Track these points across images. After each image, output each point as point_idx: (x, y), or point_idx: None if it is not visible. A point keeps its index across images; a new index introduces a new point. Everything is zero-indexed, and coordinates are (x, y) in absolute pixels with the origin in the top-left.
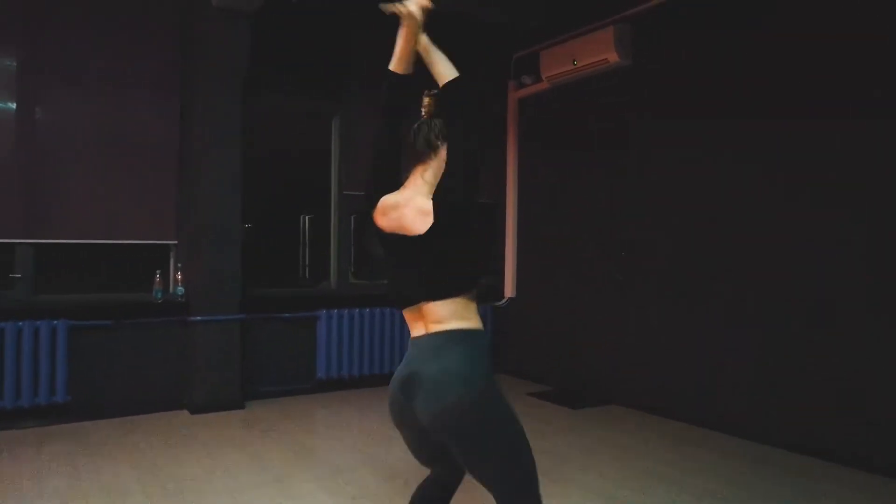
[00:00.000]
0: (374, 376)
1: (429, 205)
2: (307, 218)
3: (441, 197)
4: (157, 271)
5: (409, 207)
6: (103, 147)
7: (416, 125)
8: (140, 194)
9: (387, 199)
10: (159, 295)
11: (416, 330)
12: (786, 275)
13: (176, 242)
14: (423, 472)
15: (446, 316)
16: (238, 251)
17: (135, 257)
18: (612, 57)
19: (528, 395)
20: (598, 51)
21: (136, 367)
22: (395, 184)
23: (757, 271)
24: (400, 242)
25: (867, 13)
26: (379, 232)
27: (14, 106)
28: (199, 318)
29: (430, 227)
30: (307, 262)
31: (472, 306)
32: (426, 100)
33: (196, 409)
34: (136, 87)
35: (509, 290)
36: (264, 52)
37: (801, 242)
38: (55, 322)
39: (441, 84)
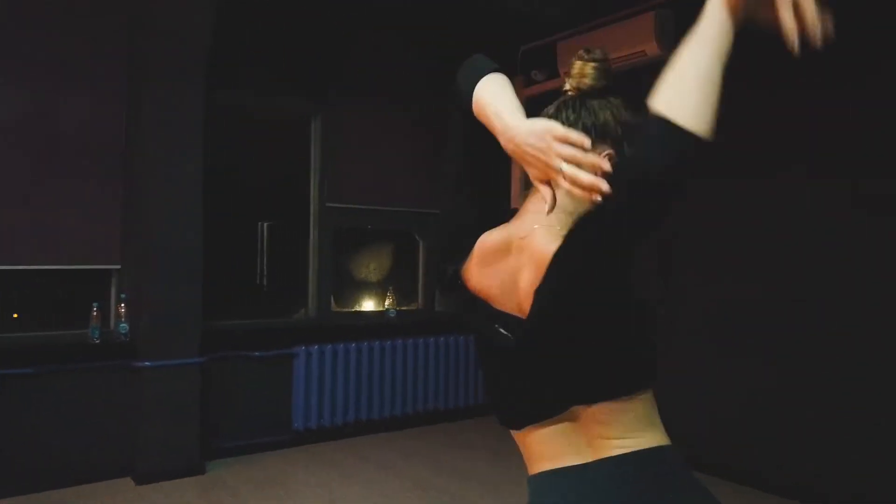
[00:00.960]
0: (361, 423)
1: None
2: (265, 225)
3: (587, 233)
4: (95, 304)
5: (529, 252)
6: (29, 151)
7: (555, 106)
8: (74, 208)
9: (489, 239)
10: (97, 333)
11: (564, 455)
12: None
13: (119, 267)
14: None
15: (630, 426)
16: (198, 278)
17: (66, 286)
18: (652, 49)
19: None
20: (634, 41)
21: (65, 427)
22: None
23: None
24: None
25: None
26: (473, 299)
27: None
28: (147, 362)
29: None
30: (264, 272)
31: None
32: (581, 65)
33: (144, 478)
34: (71, 78)
35: None
36: (231, 40)
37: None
38: None
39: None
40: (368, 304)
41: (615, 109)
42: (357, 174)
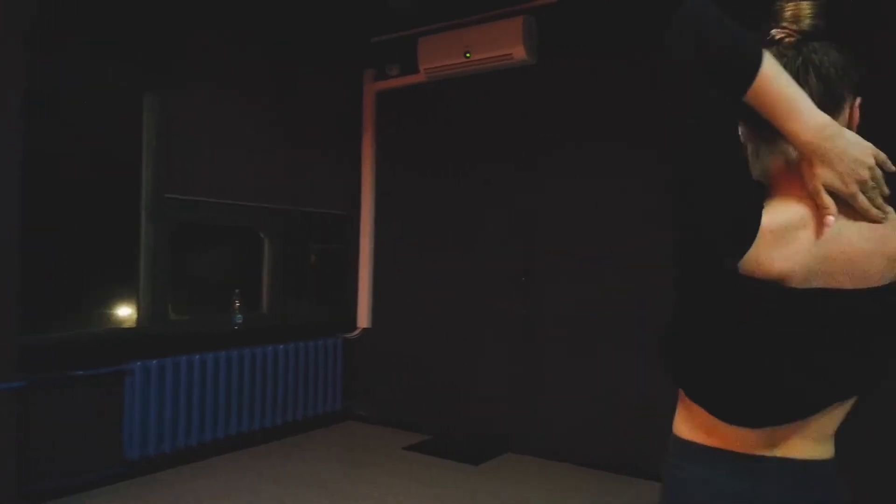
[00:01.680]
0: (205, 446)
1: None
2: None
3: None
4: None
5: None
6: None
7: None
8: None
9: (778, 219)
10: None
11: (741, 442)
12: None
13: None
14: None
15: (828, 432)
16: (15, 281)
17: None
18: (519, 53)
19: (406, 448)
20: (502, 44)
21: None
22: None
23: None
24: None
25: None
26: (747, 281)
27: None
28: None
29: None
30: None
31: None
32: (795, 6)
33: None
34: None
35: (364, 320)
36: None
37: None
38: None
39: None
40: (211, 310)
41: (845, 52)
42: (203, 163)
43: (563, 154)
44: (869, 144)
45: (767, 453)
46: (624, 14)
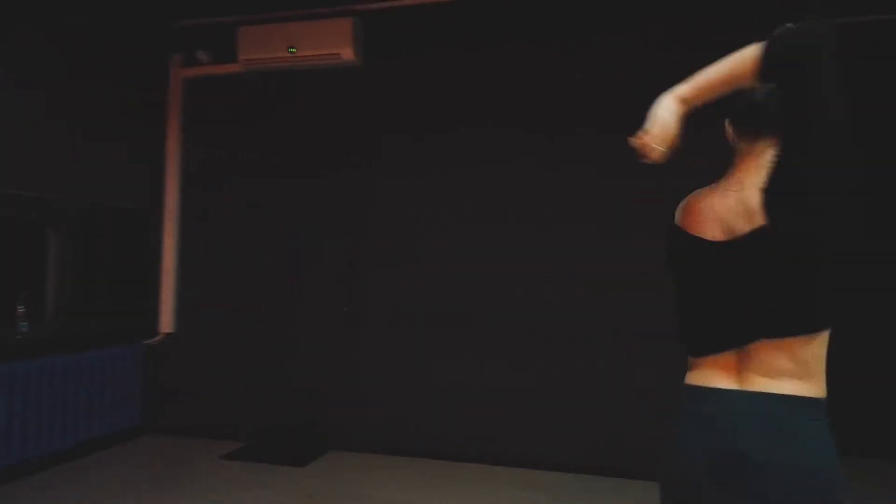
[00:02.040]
0: None
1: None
2: None
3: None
4: None
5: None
6: None
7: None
8: None
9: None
10: None
11: (720, 378)
12: (539, 302)
13: None
14: None
15: (789, 369)
16: None
17: None
18: (347, 53)
19: (223, 457)
20: (330, 43)
21: None
22: None
23: (512, 299)
24: (714, 249)
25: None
26: (679, 234)
27: None
28: None
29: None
30: None
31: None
32: None
33: None
34: None
35: (167, 324)
36: None
37: (556, 266)
38: None
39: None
40: None
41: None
42: None
43: (388, 153)
44: (656, 118)
45: (735, 387)
46: (449, 20)
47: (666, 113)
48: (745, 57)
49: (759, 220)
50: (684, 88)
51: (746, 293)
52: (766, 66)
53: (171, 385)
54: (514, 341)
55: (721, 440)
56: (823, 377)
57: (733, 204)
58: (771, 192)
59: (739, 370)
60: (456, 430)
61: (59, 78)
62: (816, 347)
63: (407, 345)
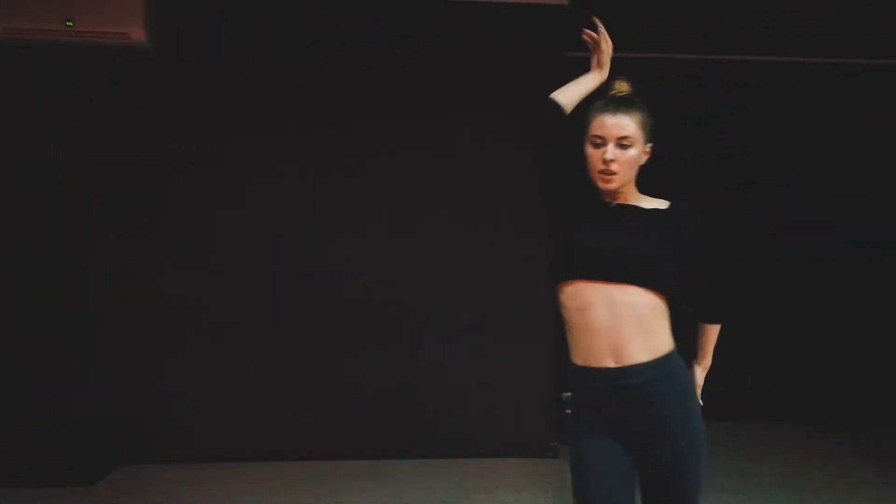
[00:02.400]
0: None
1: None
2: None
3: None
4: None
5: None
6: None
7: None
8: None
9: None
10: None
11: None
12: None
13: None
14: None
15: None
16: None
17: None
18: (138, 34)
19: None
20: (117, 19)
21: None
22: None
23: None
24: None
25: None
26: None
27: None
28: None
29: None
30: None
31: None
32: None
33: None
34: None
35: None
36: None
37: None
38: None
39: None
40: None
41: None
42: None
43: (178, 147)
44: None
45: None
46: (253, 6)
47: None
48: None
49: None
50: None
51: None
52: None
53: None
54: (325, 335)
55: None
56: None
57: None
58: None
59: None
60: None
61: None
62: None
63: (218, 342)
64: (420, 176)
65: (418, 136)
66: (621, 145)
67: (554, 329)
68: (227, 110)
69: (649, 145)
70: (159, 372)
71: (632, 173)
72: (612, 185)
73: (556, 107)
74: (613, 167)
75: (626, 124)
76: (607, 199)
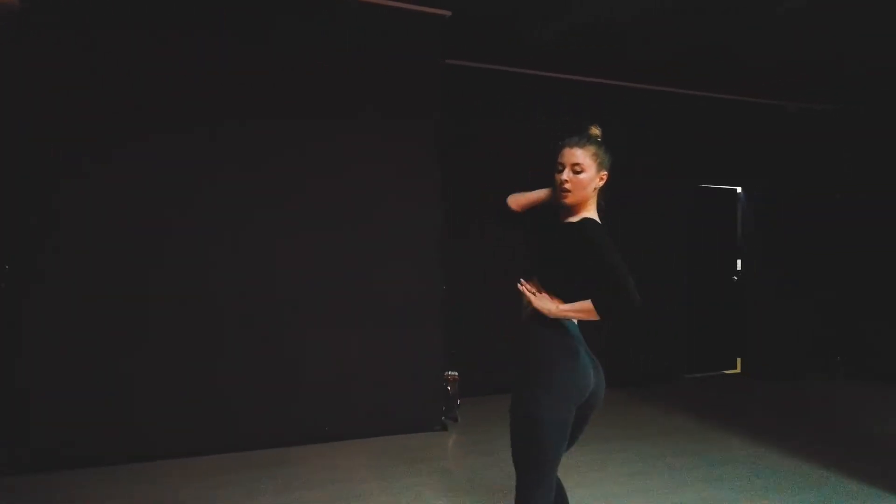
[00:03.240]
0: None
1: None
2: None
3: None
4: None
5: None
6: None
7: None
8: None
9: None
10: None
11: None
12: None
13: None
14: None
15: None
16: None
17: None
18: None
19: None
20: None
21: None
22: None
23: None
24: None
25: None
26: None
27: None
28: None
29: None
30: None
31: None
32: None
33: None
34: None
35: None
36: None
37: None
38: None
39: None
40: None
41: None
42: None
43: (60, 124)
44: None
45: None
46: None
47: (544, 304)
48: (591, 312)
49: None
50: (558, 312)
51: None
52: None
53: None
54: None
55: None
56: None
57: None
58: None
59: None
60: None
61: None
62: None
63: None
64: (319, 172)
65: (308, 134)
66: (575, 170)
67: (440, 312)
68: (107, 105)
69: (604, 173)
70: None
71: (584, 193)
72: (569, 200)
73: (507, 209)
74: (567, 186)
75: (579, 154)
76: (561, 218)
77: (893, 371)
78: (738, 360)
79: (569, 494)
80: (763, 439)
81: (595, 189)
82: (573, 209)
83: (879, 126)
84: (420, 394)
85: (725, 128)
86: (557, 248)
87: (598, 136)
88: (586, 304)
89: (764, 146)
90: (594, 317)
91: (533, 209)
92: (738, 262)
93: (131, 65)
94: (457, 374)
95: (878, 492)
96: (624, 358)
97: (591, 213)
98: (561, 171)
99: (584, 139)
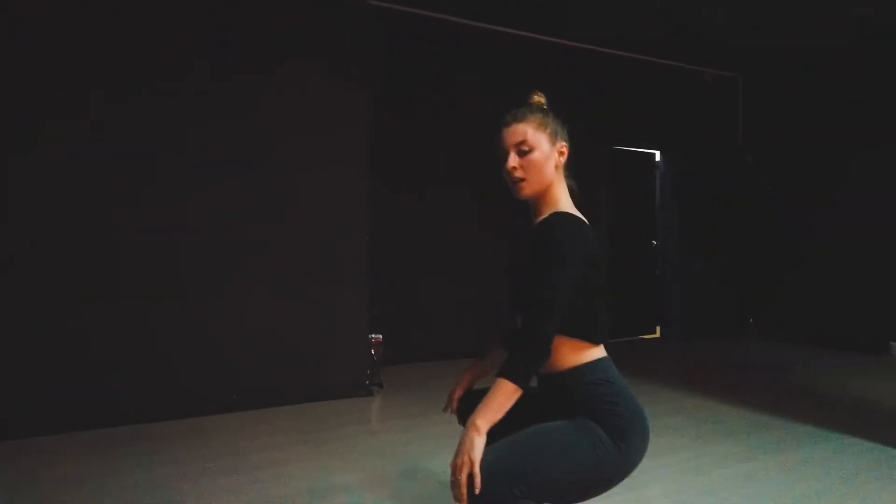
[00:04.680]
0: None
1: None
2: None
3: None
4: None
5: None
6: None
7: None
8: None
9: None
10: None
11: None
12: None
13: None
14: None
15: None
16: None
17: None
18: None
19: None
20: None
21: None
22: None
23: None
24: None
25: None
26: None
27: None
28: None
29: None
30: None
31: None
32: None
33: None
34: None
35: None
36: None
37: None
38: None
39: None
40: None
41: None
42: None
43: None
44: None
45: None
46: None
47: (477, 452)
48: (511, 390)
49: None
50: (483, 423)
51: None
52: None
53: None
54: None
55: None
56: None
57: None
58: None
59: None
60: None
61: None
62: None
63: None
64: (231, 121)
65: (234, 89)
66: (520, 151)
67: (364, 270)
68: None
69: (562, 144)
70: None
71: (543, 177)
72: (525, 192)
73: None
74: (518, 174)
75: (521, 130)
76: (533, 222)
77: (802, 332)
78: (658, 326)
79: None
80: (698, 392)
81: (557, 168)
82: (539, 204)
83: (783, 92)
84: (344, 358)
85: (643, 91)
86: (528, 263)
87: (542, 104)
88: (495, 386)
89: (682, 111)
90: (513, 390)
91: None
92: (657, 226)
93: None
94: (381, 336)
95: (813, 430)
96: None
97: (562, 204)
98: (506, 159)
99: (522, 111)
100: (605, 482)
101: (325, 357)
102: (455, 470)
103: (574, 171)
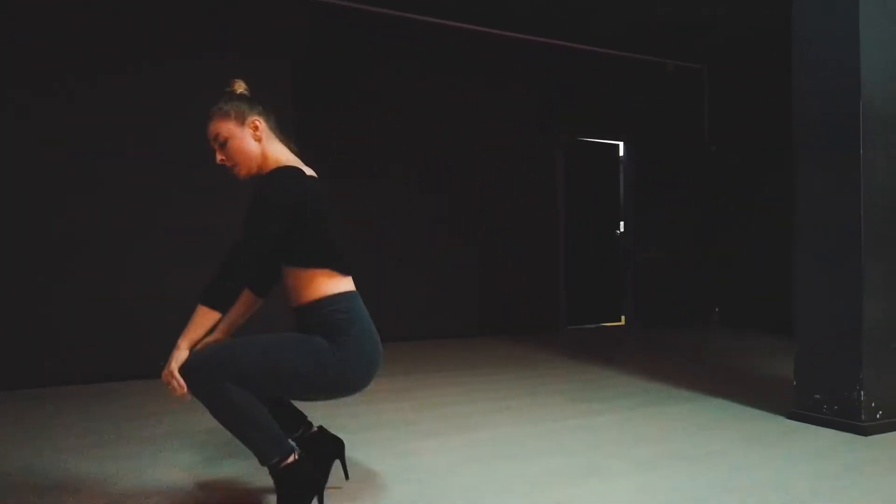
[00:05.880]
0: None
1: None
2: None
3: None
4: None
5: None
6: None
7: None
8: None
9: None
10: None
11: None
12: None
13: None
14: None
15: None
16: None
17: None
18: None
19: None
20: None
21: None
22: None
23: None
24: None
25: None
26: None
27: None
28: None
29: None
30: None
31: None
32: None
33: None
34: None
35: None
36: None
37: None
38: None
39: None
40: None
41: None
42: None
43: None
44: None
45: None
46: None
47: (175, 362)
48: (204, 311)
49: None
50: (183, 341)
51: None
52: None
53: None
54: None
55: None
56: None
57: None
58: None
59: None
60: None
61: None
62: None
63: None
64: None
65: (161, 73)
66: (220, 145)
67: None
68: None
69: (251, 119)
70: None
71: (248, 158)
72: (242, 174)
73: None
74: (228, 163)
75: (212, 127)
76: None
77: (766, 320)
78: (622, 314)
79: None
80: (655, 375)
81: (260, 140)
82: (264, 173)
83: (749, 82)
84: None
85: (606, 82)
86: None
87: (234, 92)
88: (195, 311)
89: (645, 102)
90: (206, 311)
91: None
92: (621, 216)
93: None
94: None
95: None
96: (499, 309)
97: (281, 162)
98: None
99: (211, 109)
100: (326, 385)
101: None
102: (164, 380)
103: (538, 162)
